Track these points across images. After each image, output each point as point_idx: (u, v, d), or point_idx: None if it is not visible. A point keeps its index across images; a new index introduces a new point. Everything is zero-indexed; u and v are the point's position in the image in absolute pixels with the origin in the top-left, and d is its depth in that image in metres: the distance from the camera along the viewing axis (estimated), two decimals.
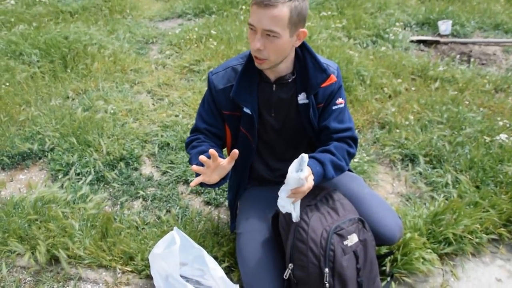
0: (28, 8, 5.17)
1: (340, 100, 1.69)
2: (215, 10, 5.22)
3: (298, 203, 1.52)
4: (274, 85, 1.63)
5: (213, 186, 1.53)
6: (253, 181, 1.92)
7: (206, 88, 1.73)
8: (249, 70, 1.61)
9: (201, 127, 1.72)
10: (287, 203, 1.49)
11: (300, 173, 1.42)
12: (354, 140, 1.72)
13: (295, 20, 1.43)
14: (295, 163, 1.44)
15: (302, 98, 1.65)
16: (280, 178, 1.67)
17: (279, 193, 1.48)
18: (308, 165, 1.51)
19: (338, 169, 1.64)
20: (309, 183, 1.47)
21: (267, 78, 1.63)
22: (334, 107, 1.68)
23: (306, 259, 1.52)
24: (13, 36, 4.16)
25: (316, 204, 1.61)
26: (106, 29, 4.70)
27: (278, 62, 1.54)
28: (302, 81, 1.63)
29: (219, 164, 1.43)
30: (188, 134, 1.79)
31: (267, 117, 1.70)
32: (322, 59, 1.65)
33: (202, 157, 1.37)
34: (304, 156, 1.43)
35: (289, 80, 1.63)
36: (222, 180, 1.53)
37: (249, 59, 1.60)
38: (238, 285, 1.71)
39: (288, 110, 1.69)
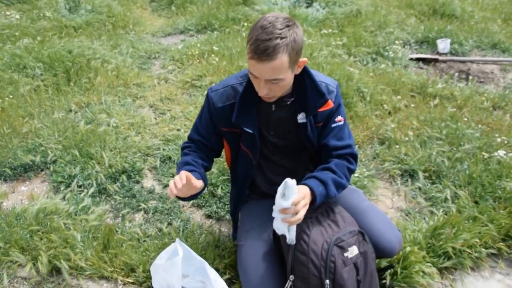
0: (33, 23, 5.24)
1: (339, 117, 1.70)
2: (217, 26, 5.30)
3: (294, 227, 1.52)
4: (273, 105, 1.66)
5: (183, 199, 1.66)
6: (254, 194, 1.94)
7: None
8: (249, 93, 1.63)
9: (195, 138, 1.78)
10: (282, 225, 1.50)
11: (283, 201, 1.43)
12: (354, 156, 1.73)
13: (295, 58, 1.46)
14: (280, 188, 1.45)
15: (301, 118, 1.68)
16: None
17: (273, 214, 1.50)
18: (310, 186, 1.55)
19: (340, 186, 1.65)
20: (300, 209, 1.46)
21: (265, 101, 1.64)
22: (333, 125, 1.70)
23: (307, 270, 1.53)
24: (18, 50, 4.21)
25: (317, 217, 1.63)
26: (109, 44, 4.76)
27: (284, 93, 1.60)
28: (301, 103, 1.65)
29: (191, 185, 1.50)
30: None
31: (267, 135, 1.73)
32: (322, 76, 1.68)
33: (177, 181, 1.44)
34: (288, 182, 1.42)
35: (288, 102, 1.66)
36: (192, 197, 1.63)
37: (249, 83, 1.61)
38: None
39: (288, 129, 1.72)
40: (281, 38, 1.38)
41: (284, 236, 1.64)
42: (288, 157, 1.81)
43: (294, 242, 1.53)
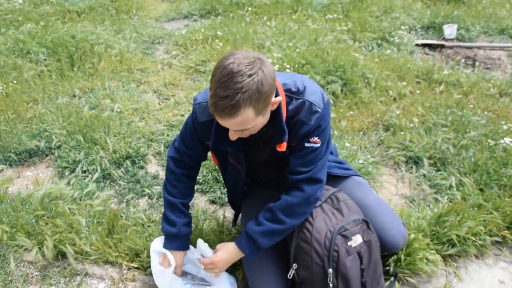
0: (36, 7, 5.21)
1: (315, 139, 1.52)
2: (221, 11, 5.25)
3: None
4: None
5: None
6: (252, 187, 1.95)
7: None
8: None
9: (180, 149, 1.74)
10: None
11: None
12: (311, 181, 1.56)
13: (262, 106, 1.32)
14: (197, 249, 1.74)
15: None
16: (276, 184, 1.72)
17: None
18: (238, 245, 1.62)
19: (275, 233, 1.58)
20: (216, 265, 1.64)
21: None
22: (306, 144, 1.53)
23: (310, 259, 1.53)
24: (21, 35, 4.20)
25: (321, 205, 1.62)
26: (113, 28, 4.73)
27: None
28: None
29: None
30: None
31: (255, 147, 1.64)
32: (313, 89, 1.52)
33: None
34: (199, 242, 1.71)
35: (264, 129, 1.52)
36: None
37: None
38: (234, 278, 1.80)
39: (273, 140, 1.59)
40: (242, 92, 1.23)
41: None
42: (276, 162, 1.73)
43: None
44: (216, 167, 2.56)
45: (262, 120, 1.38)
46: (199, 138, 1.67)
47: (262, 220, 1.59)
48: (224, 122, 1.33)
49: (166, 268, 1.70)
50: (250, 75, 1.24)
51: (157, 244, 1.79)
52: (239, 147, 1.57)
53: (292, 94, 1.50)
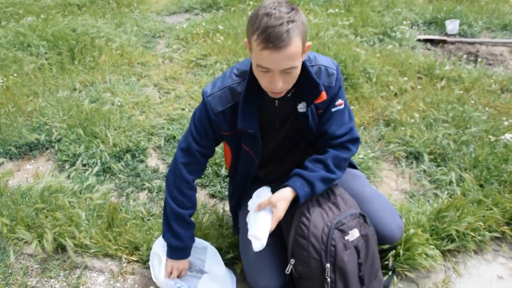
0: (36, 0, 5.21)
1: (339, 101, 1.61)
2: (223, 5, 5.23)
3: (267, 232, 1.52)
4: (276, 101, 1.58)
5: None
6: (254, 184, 1.91)
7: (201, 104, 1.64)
8: (250, 95, 1.53)
9: (193, 148, 1.66)
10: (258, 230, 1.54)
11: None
12: (354, 140, 1.67)
13: (304, 41, 1.36)
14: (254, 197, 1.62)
15: (301, 107, 1.59)
16: (279, 177, 1.70)
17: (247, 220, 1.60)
18: (294, 188, 1.55)
19: (330, 181, 1.61)
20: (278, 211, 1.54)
21: (269, 97, 1.53)
22: (333, 109, 1.61)
23: (308, 254, 1.53)
24: (21, 28, 4.19)
25: (318, 199, 1.62)
26: (114, 22, 4.72)
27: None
28: (299, 93, 1.57)
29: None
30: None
31: (271, 129, 1.65)
32: (321, 59, 1.59)
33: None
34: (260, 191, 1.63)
35: (289, 95, 1.56)
36: None
37: (249, 85, 1.52)
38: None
39: (291, 119, 1.65)
40: (292, 21, 1.27)
41: (285, 217, 1.65)
42: (289, 148, 1.77)
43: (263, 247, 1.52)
44: (217, 161, 2.57)
45: (300, 64, 1.40)
46: (214, 132, 1.63)
47: (314, 167, 1.60)
48: (276, 56, 1.30)
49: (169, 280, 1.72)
50: (293, 9, 1.31)
51: (160, 246, 1.80)
52: (257, 127, 1.58)
53: (307, 62, 1.55)
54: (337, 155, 1.62)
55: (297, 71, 1.40)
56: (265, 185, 1.66)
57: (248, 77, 1.51)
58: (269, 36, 1.26)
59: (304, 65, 1.49)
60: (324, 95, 1.54)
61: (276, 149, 1.75)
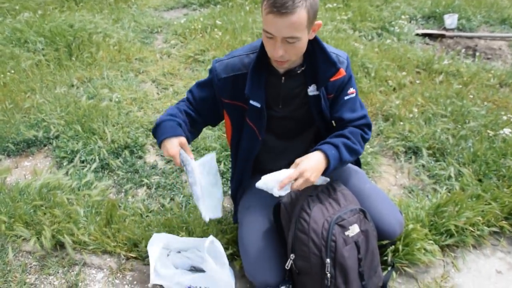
0: None
1: (351, 90, 1.67)
2: (220, 0, 5.21)
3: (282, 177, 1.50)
4: (283, 78, 1.60)
5: None
6: (256, 172, 1.90)
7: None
8: (259, 65, 1.58)
9: (197, 95, 1.73)
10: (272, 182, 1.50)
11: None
12: (369, 126, 1.72)
13: (312, 18, 1.39)
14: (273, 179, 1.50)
15: (312, 90, 1.62)
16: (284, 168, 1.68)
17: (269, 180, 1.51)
18: (323, 150, 1.54)
19: (353, 152, 1.62)
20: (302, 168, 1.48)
21: (276, 71, 1.60)
22: (346, 98, 1.66)
23: (308, 249, 1.53)
24: (18, 24, 4.17)
25: (318, 195, 1.62)
26: (111, 18, 4.70)
27: (297, 59, 1.55)
28: (311, 73, 1.60)
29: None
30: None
31: (275, 109, 1.68)
32: (332, 49, 1.63)
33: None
34: (259, 185, 1.51)
35: (298, 72, 1.59)
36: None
37: (260, 55, 1.56)
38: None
39: (297, 102, 1.67)
40: None
41: (285, 213, 1.65)
42: (294, 133, 1.78)
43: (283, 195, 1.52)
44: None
45: (305, 39, 1.43)
46: (213, 97, 1.69)
47: (335, 138, 1.61)
48: (279, 22, 1.34)
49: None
50: None
51: (156, 240, 1.79)
52: (263, 100, 1.61)
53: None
54: (356, 130, 1.66)
55: (301, 45, 1.44)
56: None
57: (259, 48, 1.56)
58: (276, 2, 1.31)
59: (320, 43, 1.55)
60: (343, 71, 1.59)
61: (282, 133, 1.75)
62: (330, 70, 1.57)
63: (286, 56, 1.44)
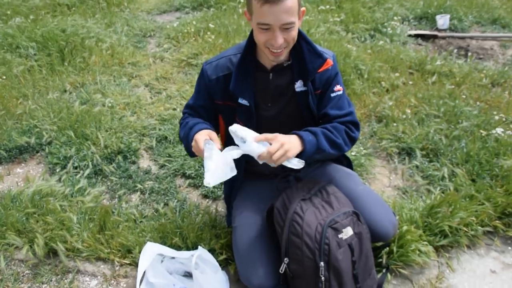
0: (25, 1, 5.15)
1: (338, 87, 1.68)
2: (213, 3, 5.21)
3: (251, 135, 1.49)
4: (271, 74, 1.63)
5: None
6: (249, 175, 1.91)
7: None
8: (246, 61, 1.61)
9: (196, 104, 1.75)
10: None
11: (259, 146, 1.45)
12: (355, 124, 1.71)
13: (300, 4, 1.46)
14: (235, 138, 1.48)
15: (299, 86, 1.65)
16: (276, 171, 1.68)
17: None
18: (299, 134, 1.53)
19: (334, 145, 1.61)
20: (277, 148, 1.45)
21: (264, 67, 1.63)
22: (332, 95, 1.67)
23: (301, 253, 1.52)
24: (10, 29, 4.15)
25: (311, 198, 1.62)
26: (104, 22, 4.68)
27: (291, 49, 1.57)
28: (298, 67, 1.62)
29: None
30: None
31: (264, 107, 1.69)
32: (318, 47, 1.65)
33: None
34: (232, 128, 1.47)
35: (285, 65, 1.62)
36: None
37: (247, 51, 1.60)
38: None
39: (285, 99, 1.68)
40: None
41: (278, 217, 1.63)
42: (284, 133, 1.77)
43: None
44: None
45: (298, 24, 1.48)
46: (210, 99, 1.72)
47: (315, 128, 1.60)
48: (275, 10, 1.39)
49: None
50: None
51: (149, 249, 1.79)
52: (252, 98, 1.63)
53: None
54: (339, 126, 1.65)
55: (295, 32, 1.48)
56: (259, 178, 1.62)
57: (245, 45, 1.60)
58: None
59: (304, 36, 1.59)
60: (330, 61, 1.62)
61: (272, 132, 1.73)
62: (317, 61, 1.60)
63: (284, 44, 1.49)
